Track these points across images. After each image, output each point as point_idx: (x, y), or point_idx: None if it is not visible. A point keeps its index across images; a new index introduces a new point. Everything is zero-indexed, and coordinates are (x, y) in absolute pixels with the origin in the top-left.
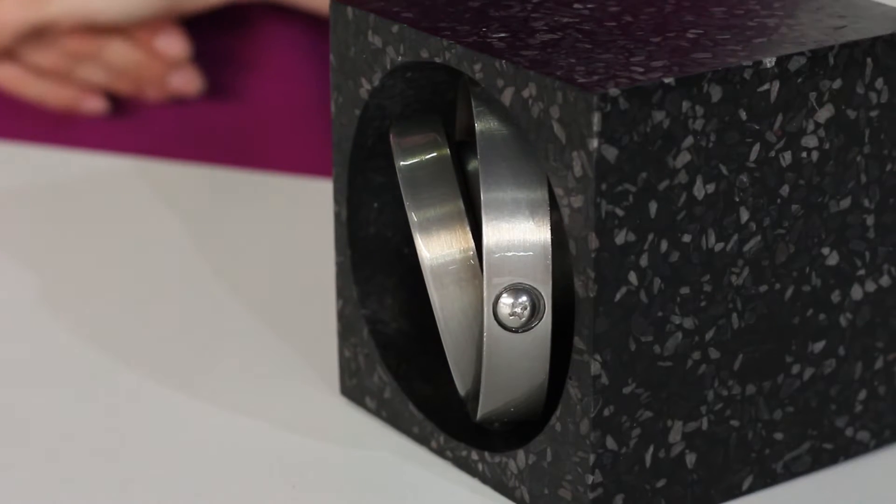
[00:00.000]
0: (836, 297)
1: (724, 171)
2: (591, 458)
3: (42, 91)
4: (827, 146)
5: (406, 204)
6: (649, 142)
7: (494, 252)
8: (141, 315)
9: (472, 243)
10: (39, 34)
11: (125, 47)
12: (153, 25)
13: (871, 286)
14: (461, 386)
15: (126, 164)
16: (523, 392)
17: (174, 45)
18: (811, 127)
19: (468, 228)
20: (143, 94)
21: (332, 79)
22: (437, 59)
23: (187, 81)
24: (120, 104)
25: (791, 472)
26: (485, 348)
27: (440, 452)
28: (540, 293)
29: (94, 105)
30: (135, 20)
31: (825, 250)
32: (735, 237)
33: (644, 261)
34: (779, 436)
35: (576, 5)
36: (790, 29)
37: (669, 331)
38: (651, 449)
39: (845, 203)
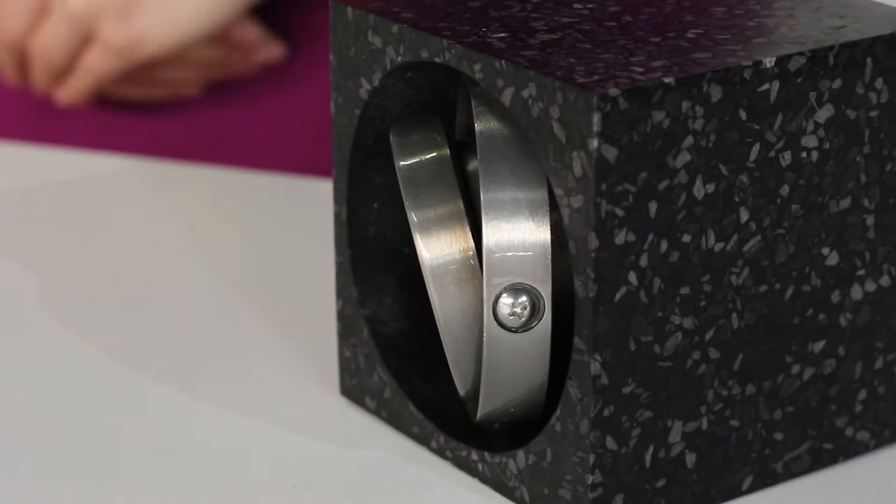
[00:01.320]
0: (836, 297)
1: (724, 171)
2: (591, 458)
3: (136, 94)
4: (827, 146)
5: (406, 204)
6: (649, 142)
7: (494, 252)
8: (141, 315)
9: (471, 243)
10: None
11: (205, 48)
12: None
13: (871, 286)
14: (461, 386)
15: (126, 164)
16: (523, 392)
17: (249, 32)
18: (811, 127)
19: (468, 228)
20: (233, 74)
21: (332, 79)
22: (437, 59)
23: (270, 53)
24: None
25: (791, 472)
26: (485, 348)
27: (440, 452)
28: (540, 293)
29: (190, 91)
30: (218, 30)
31: (825, 250)
32: (735, 237)
33: (644, 261)
34: (779, 436)
35: (576, 5)
36: (790, 29)
37: (669, 331)
38: (651, 449)
39: (845, 203)
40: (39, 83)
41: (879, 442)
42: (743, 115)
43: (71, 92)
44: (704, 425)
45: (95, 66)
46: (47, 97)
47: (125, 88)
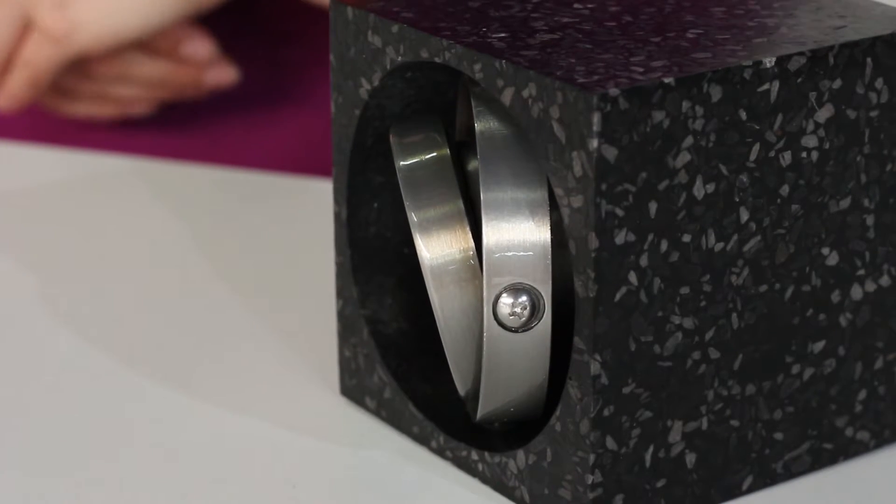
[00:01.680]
0: (836, 297)
1: (724, 171)
2: (591, 458)
3: (85, 110)
4: (827, 146)
5: (406, 204)
6: (649, 142)
7: (494, 252)
8: (141, 315)
9: (471, 243)
10: (74, 65)
11: (152, 62)
12: (175, 33)
13: (871, 286)
14: (461, 386)
15: (126, 164)
16: (523, 392)
17: (200, 47)
18: (811, 127)
19: (468, 228)
20: (183, 96)
21: (333, 79)
22: (437, 59)
23: (222, 75)
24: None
25: (791, 472)
26: (485, 348)
27: (440, 452)
28: (540, 293)
29: (140, 110)
30: (158, 30)
31: (825, 250)
32: (735, 237)
33: (644, 261)
34: (779, 436)
35: (576, 5)
36: (790, 29)
37: (669, 331)
38: (651, 449)
39: (845, 203)
40: None
41: (879, 442)
42: (743, 115)
43: (10, 90)
44: (704, 425)
45: (32, 57)
46: None
47: (74, 105)
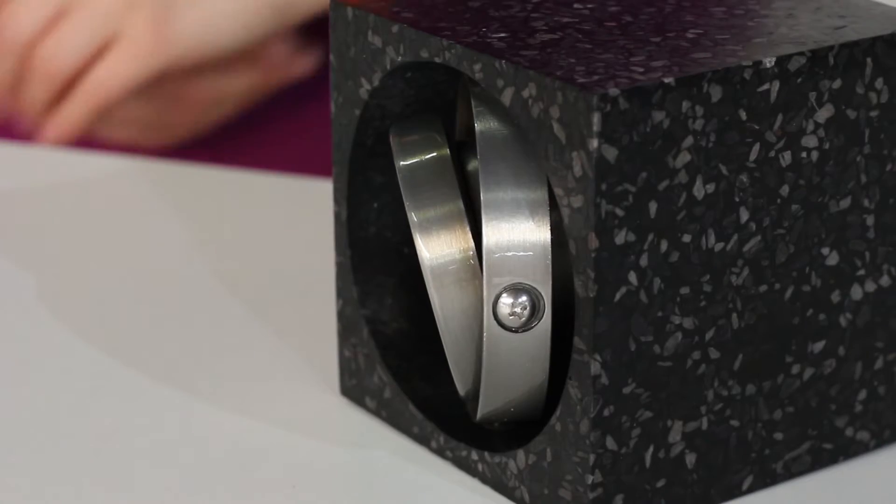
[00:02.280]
0: (836, 297)
1: (724, 171)
2: (591, 458)
3: (134, 138)
4: (827, 146)
5: (406, 204)
6: (649, 142)
7: (494, 252)
8: (141, 315)
9: (471, 243)
10: (165, 99)
11: (236, 76)
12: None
13: (871, 286)
14: (461, 386)
15: (126, 164)
16: (523, 392)
17: (280, 47)
18: (811, 127)
19: (468, 228)
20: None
21: (333, 79)
22: (437, 59)
23: (304, 64)
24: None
25: (791, 472)
26: (485, 348)
27: (440, 452)
28: (540, 293)
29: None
30: (250, 43)
31: (825, 250)
32: (735, 237)
33: (644, 261)
34: (779, 436)
35: (576, 5)
36: (790, 29)
37: (669, 331)
38: (651, 449)
39: (845, 203)
40: (30, 106)
41: (879, 442)
42: (743, 115)
43: (65, 121)
44: (704, 425)
45: (107, 77)
46: (33, 133)
47: (126, 133)
